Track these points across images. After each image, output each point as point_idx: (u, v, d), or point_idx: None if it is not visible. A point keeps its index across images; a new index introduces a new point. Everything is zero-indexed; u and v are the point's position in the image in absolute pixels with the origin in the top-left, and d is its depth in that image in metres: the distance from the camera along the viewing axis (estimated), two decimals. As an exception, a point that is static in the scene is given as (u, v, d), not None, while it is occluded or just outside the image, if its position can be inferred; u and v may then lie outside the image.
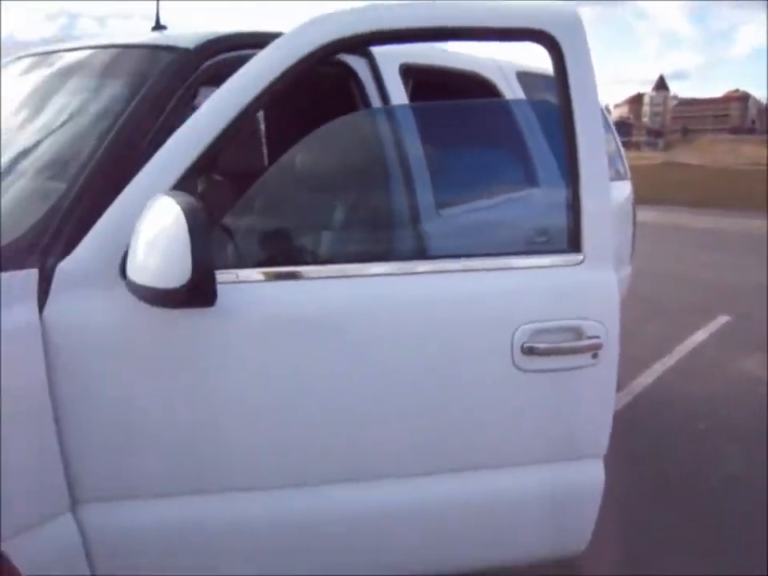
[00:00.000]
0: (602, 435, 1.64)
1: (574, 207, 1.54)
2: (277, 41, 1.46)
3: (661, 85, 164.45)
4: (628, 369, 4.33)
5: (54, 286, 1.33)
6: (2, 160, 1.64)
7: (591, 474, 1.67)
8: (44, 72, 1.98)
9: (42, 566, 1.35)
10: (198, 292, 1.18)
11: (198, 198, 1.27)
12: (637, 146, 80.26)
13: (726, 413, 3.79)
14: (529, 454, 1.61)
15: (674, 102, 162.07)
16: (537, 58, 2.04)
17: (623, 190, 3.81)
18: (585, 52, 1.56)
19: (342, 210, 1.67)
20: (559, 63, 1.54)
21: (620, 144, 3.88)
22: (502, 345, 1.50)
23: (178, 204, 1.17)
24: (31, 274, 1.33)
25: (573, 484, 1.66)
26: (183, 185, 1.34)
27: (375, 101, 1.93)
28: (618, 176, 3.80)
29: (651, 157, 48.95)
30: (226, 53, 1.72)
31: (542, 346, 1.50)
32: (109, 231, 1.36)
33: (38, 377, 1.29)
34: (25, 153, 1.68)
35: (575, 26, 1.56)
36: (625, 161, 3.89)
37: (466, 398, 1.53)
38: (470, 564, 1.69)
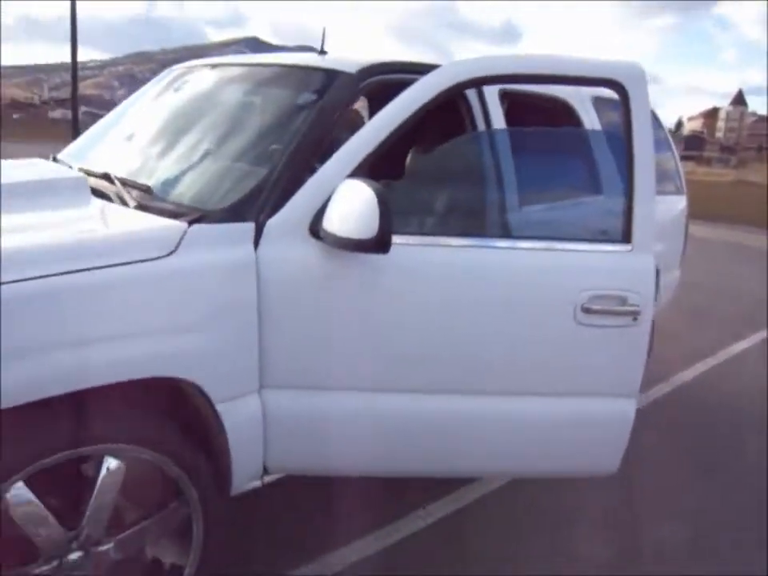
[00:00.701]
0: (635, 380, 2.21)
1: (627, 211, 2.13)
2: (425, 78, 2.07)
3: (739, 100, 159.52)
4: (674, 365, 4.83)
5: (264, 235, 1.97)
6: (222, 151, 2.31)
7: (625, 409, 2.25)
8: (241, 82, 2.66)
9: (238, 427, 1.99)
10: (380, 243, 1.81)
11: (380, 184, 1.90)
12: (708, 162, 78.48)
13: (751, 407, 4.26)
14: (581, 387, 2.20)
15: (752, 119, 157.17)
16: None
17: (678, 203, 4.30)
18: (645, 96, 2.13)
19: (458, 199, 2.28)
20: (625, 104, 2.12)
21: (678, 161, 4.36)
22: (569, 304, 2.09)
23: (368, 186, 1.80)
24: (249, 227, 1.97)
25: (610, 415, 2.24)
26: (355, 174, 1.97)
27: (480, 119, 2.54)
28: (675, 191, 4.30)
29: (722, 174, 47.96)
30: (377, 76, 2.34)
31: (596, 307, 2.08)
32: (302, 203, 1.99)
33: (251, 294, 1.93)
34: (234, 146, 2.35)
35: (639, 76, 2.13)
36: (682, 177, 4.36)
37: (543, 341, 2.14)
38: (532, 471, 2.29)
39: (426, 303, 2.05)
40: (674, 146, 4.37)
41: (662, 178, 4.16)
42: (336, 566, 2.47)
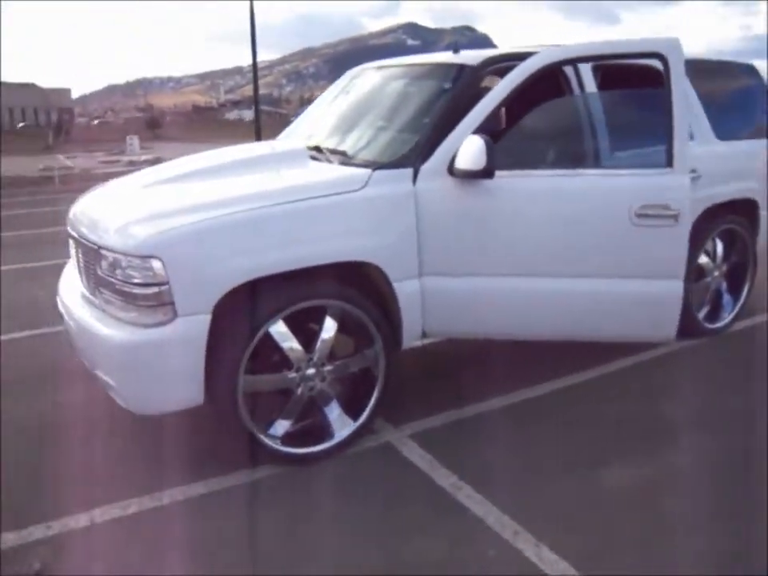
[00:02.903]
0: (680, 265, 3.11)
1: (668, 146, 3.03)
2: (522, 64, 3.09)
3: None
4: None
5: (419, 176, 3.11)
6: (390, 126, 3.49)
7: (674, 287, 3.17)
8: (398, 78, 3.84)
9: (406, 300, 3.14)
10: (487, 172, 2.89)
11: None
12: None
13: None
14: (636, 271, 3.14)
15: None
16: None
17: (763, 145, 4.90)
18: (681, 62, 3.02)
19: (554, 143, 3.31)
20: (666, 70, 3.02)
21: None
22: (627, 210, 3.04)
23: (480, 137, 2.89)
24: (409, 171, 3.11)
25: (664, 292, 3.16)
26: (476, 132, 3.05)
27: (575, 86, 3.52)
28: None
29: None
30: (496, 64, 3.38)
31: (645, 212, 3.02)
32: (442, 153, 3.10)
33: (411, 212, 3.08)
34: (398, 122, 3.52)
35: (677, 47, 3.02)
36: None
37: (610, 236, 3.10)
38: (605, 334, 3.27)
39: (524, 213, 3.11)
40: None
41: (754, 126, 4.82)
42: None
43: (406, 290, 3.13)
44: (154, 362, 2.75)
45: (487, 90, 3.22)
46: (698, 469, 3.04)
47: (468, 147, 2.94)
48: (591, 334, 3.34)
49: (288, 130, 4.43)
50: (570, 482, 2.92)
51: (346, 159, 3.38)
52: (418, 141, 3.20)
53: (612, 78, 3.61)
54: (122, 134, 32.50)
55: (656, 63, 3.13)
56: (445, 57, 3.75)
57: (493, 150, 2.88)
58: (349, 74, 4.43)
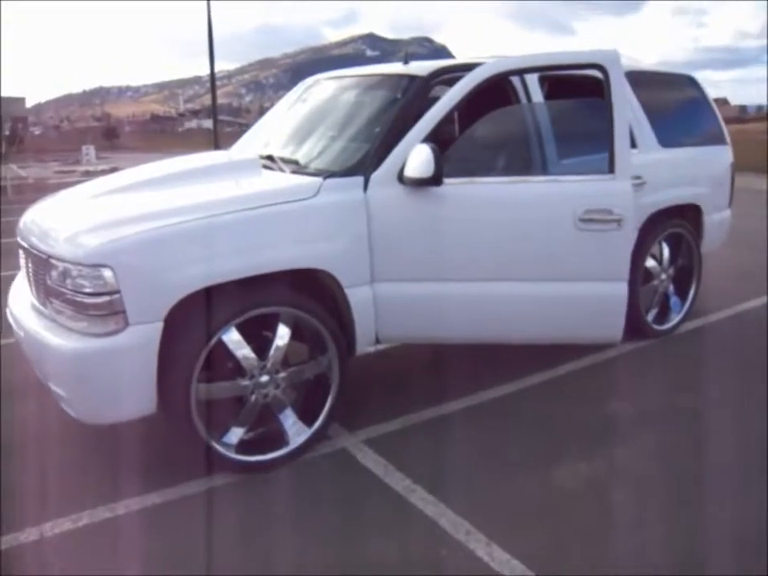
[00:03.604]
0: (625, 268, 3.21)
1: (610, 153, 3.13)
2: (469, 74, 3.17)
3: None
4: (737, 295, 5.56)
5: (369, 184, 3.16)
6: (342, 135, 3.54)
7: (619, 289, 3.26)
8: (351, 88, 3.90)
9: (359, 306, 3.18)
10: (435, 179, 2.96)
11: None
12: None
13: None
14: (581, 274, 3.22)
15: None
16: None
17: (722, 152, 5.09)
18: (620, 74, 3.13)
19: (502, 151, 3.39)
20: (606, 80, 3.12)
21: (720, 117, 5.15)
22: (571, 215, 3.13)
23: (428, 146, 2.96)
24: (360, 179, 3.17)
25: (608, 294, 3.25)
26: (425, 141, 3.11)
27: (522, 96, 3.62)
28: (720, 143, 5.10)
29: None
30: (444, 75, 3.46)
31: (589, 217, 3.11)
32: (392, 162, 3.16)
33: (362, 219, 3.13)
34: (349, 131, 3.57)
35: (615, 59, 3.13)
36: (725, 131, 5.15)
37: (555, 241, 3.19)
38: (554, 337, 3.36)
39: (472, 219, 3.18)
40: (714, 106, 5.16)
41: (707, 133, 5.02)
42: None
43: (358, 297, 3.18)
44: (105, 371, 2.75)
45: (436, 100, 3.28)
46: (645, 466, 3.13)
47: (416, 156, 3.00)
48: (540, 337, 3.42)
49: (243, 139, 4.44)
50: (521, 483, 2.99)
51: (298, 168, 3.42)
52: (369, 150, 3.25)
53: (557, 88, 3.72)
54: (78, 143, 31.99)
55: (598, 74, 3.23)
56: (395, 68, 3.82)
57: (440, 158, 2.95)
58: (303, 83, 4.47)
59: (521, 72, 3.45)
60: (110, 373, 2.75)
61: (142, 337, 2.73)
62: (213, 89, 21.11)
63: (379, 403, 3.73)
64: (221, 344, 2.93)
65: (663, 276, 4.69)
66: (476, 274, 3.22)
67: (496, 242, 3.19)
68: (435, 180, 2.99)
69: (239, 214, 2.90)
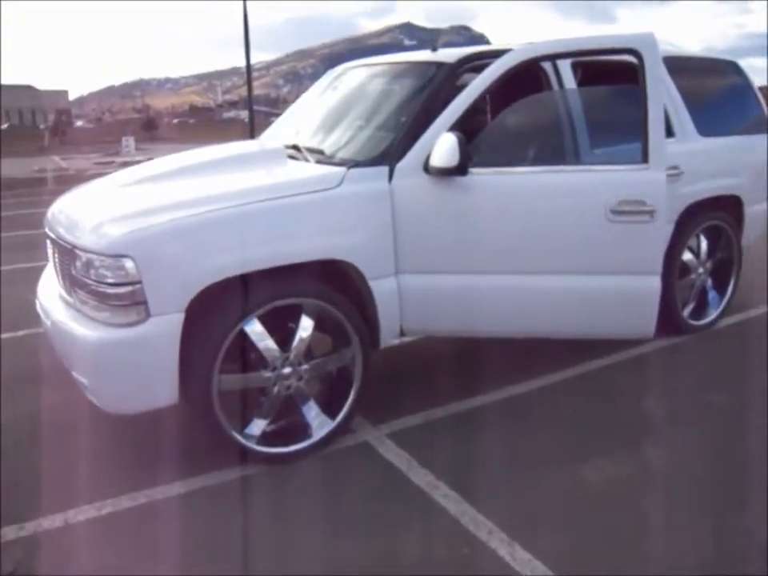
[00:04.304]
0: (657, 261, 3.09)
1: (644, 142, 3.02)
2: (497, 61, 3.08)
3: None
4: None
5: (394, 174, 3.10)
6: (369, 124, 3.48)
7: (651, 284, 3.15)
8: (379, 76, 3.84)
9: (383, 298, 3.13)
10: (460, 168, 2.88)
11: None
12: None
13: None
14: (613, 267, 3.12)
15: None
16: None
17: (764, 142, 4.90)
18: (657, 59, 3.00)
19: (531, 140, 3.30)
20: (641, 66, 3.00)
21: (765, 104, 4.96)
22: (603, 206, 3.03)
23: (454, 135, 2.88)
24: (385, 169, 3.11)
25: (641, 288, 3.14)
26: (452, 130, 3.03)
27: (554, 82, 3.52)
28: (760, 131, 4.91)
29: None
30: (472, 62, 3.37)
31: (621, 208, 3.01)
32: (418, 151, 3.09)
33: (387, 210, 3.07)
34: (376, 120, 3.50)
35: (652, 44, 3.00)
36: (768, 119, 4.96)
37: (586, 232, 3.09)
38: (584, 331, 3.26)
39: (500, 210, 3.10)
40: (759, 96, 4.97)
41: (748, 121, 4.84)
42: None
43: (382, 289, 3.12)
44: (127, 361, 2.75)
45: (464, 88, 3.20)
46: (677, 467, 3.03)
47: (441, 145, 2.93)
48: (570, 332, 3.33)
49: (272, 128, 4.41)
50: (546, 481, 2.91)
51: (322, 158, 3.37)
52: (394, 139, 3.19)
53: (591, 74, 3.60)
54: (119, 135, 32.42)
55: (633, 60, 3.11)
56: (423, 55, 3.74)
57: (465, 147, 2.87)
58: (331, 72, 4.42)
59: (551, 58, 3.34)
60: (132, 363, 2.75)
61: (164, 327, 2.72)
62: (249, 79, 21.20)
63: (404, 396, 3.68)
64: (243, 335, 2.91)
65: (701, 270, 4.54)
66: (503, 266, 3.14)
67: (524, 234, 3.10)
68: (460, 169, 2.92)
69: (261, 204, 2.87)
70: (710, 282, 4.64)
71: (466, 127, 3.08)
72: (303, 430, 3.15)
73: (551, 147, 3.33)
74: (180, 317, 2.73)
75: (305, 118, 4.11)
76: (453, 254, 3.13)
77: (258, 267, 2.83)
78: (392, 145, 3.17)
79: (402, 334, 3.33)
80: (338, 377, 3.25)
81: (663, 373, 4.02)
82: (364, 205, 3.04)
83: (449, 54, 3.50)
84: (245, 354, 3.00)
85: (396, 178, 3.09)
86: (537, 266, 3.14)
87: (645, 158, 3.03)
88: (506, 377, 3.84)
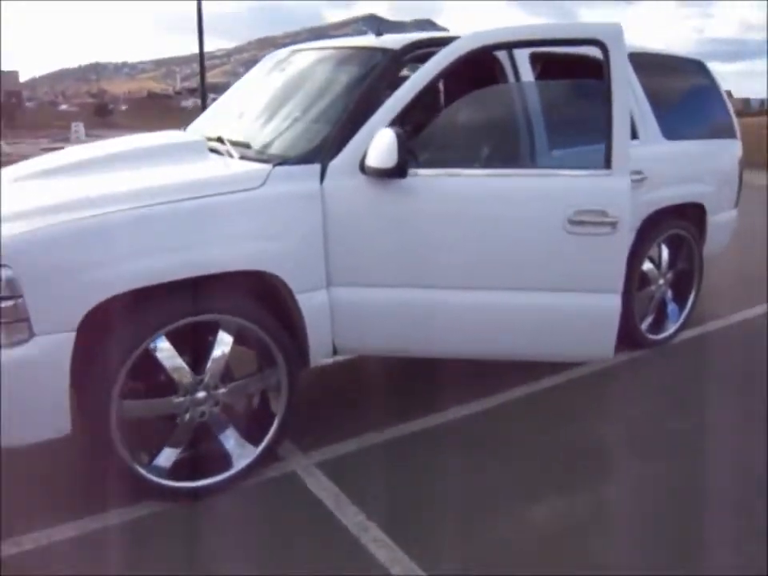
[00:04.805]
0: (618, 278, 2.78)
1: (607, 144, 2.70)
2: (445, 48, 2.73)
3: None
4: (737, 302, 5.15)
5: (327, 173, 2.73)
6: (301, 116, 3.09)
7: (611, 303, 2.83)
8: (318, 63, 3.46)
9: (312, 314, 2.76)
10: (398, 170, 2.52)
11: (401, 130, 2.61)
12: None
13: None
14: (569, 284, 2.80)
15: None
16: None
17: (731, 147, 4.66)
18: (623, 52, 2.69)
19: (483, 139, 2.96)
20: (606, 59, 2.68)
21: (731, 107, 4.71)
22: (560, 216, 2.71)
23: (392, 131, 2.52)
24: (316, 167, 2.73)
25: (599, 307, 2.83)
26: (392, 125, 2.67)
27: (510, 76, 3.18)
28: (728, 135, 4.67)
29: None
30: (421, 49, 3.02)
31: (580, 218, 2.68)
32: (353, 148, 2.72)
33: (317, 215, 2.70)
34: (310, 111, 3.12)
35: (618, 35, 2.68)
36: (735, 123, 4.71)
37: (540, 245, 2.75)
38: (535, 353, 2.94)
39: (445, 218, 2.74)
40: (726, 97, 4.73)
41: (715, 125, 4.60)
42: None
43: (311, 303, 2.76)
44: (9, 387, 2.33)
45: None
46: (635, 506, 2.73)
47: (378, 142, 2.57)
48: (520, 353, 3.01)
49: (202, 117, 3.99)
50: (489, 524, 2.59)
51: (248, 153, 2.97)
52: (328, 133, 2.82)
53: (552, 68, 3.28)
54: (73, 119, 31.31)
55: (598, 53, 2.79)
56: (367, 40, 3.36)
57: (404, 145, 2.51)
58: (271, 56, 4.00)
59: (506, 47, 2.98)
60: (15, 389, 2.33)
61: (50, 348, 2.32)
62: (201, 66, 20.53)
63: (337, 420, 3.32)
64: (149, 356, 2.53)
65: (661, 281, 4.28)
66: (447, 280, 2.80)
67: (471, 245, 2.76)
68: (399, 171, 2.55)
69: (170, 205, 2.48)
70: (669, 293, 4.39)
71: (409, 123, 2.74)
72: (222, 460, 2.78)
73: (505, 148, 3.00)
74: (70, 336, 2.33)
75: (237, 106, 3.70)
76: (391, 265, 2.78)
77: (165, 279, 2.44)
78: (326, 140, 2.80)
79: (336, 352, 2.97)
80: (262, 400, 2.89)
81: (619, 393, 3.74)
82: (291, 208, 2.67)
83: (394, 40, 3.13)
84: (151, 377, 2.62)
85: (329, 178, 2.72)
86: (484, 281, 2.81)
87: (608, 163, 2.71)
88: (448, 397, 3.50)
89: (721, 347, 4.42)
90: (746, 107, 61.31)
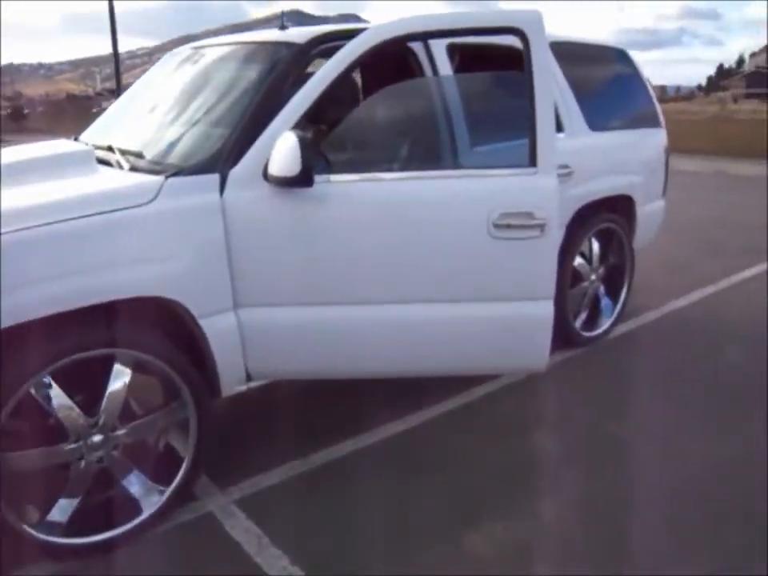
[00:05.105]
0: (550, 284, 2.60)
1: (531, 141, 2.50)
2: (352, 41, 2.48)
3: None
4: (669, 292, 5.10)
5: (227, 183, 2.45)
6: (199, 119, 2.80)
7: (543, 310, 2.64)
8: (218, 60, 3.16)
9: (219, 339, 2.49)
10: (303, 178, 2.27)
11: (306, 133, 2.35)
12: (770, 98, 74.53)
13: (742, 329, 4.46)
14: (497, 293, 2.60)
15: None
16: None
17: (656, 135, 4.57)
18: (543, 41, 2.49)
19: (398, 140, 2.73)
20: (526, 48, 2.49)
21: (654, 96, 4.62)
22: (484, 220, 2.50)
23: (294, 135, 2.26)
24: (215, 177, 2.45)
25: (530, 315, 2.64)
26: (297, 127, 2.41)
27: (427, 69, 2.96)
28: (652, 124, 4.58)
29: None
30: (329, 43, 2.76)
31: (505, 222, 2.48)
32: (255, 155, 2.45)
33: (218, 230, 2.42)
34: (208, 114, 2.83)
35: (538, 23, 2.49)
36: (659, 111, 4.63)
37: (463, 252, 2.55)
38: (464, 367, 2.74)
39: (359, 228, 2.50)
40: (649, 86, 4.64)
41: (640, 114, 4.50)
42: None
43: (217, 328, 2.49)
44: None
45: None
46: (580, 526, 2.57)
47: (280, 148, 2.30)
48: (448, 368, 2.79)
49: (95, 124, 3.63)
50: (427, 558, 2.38)
51: (139, 163, 2.65)
52: (228, 139, 2.54)
53: (472, 60, 3.07)
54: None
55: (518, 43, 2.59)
56: (269, 34, 3.08)
57: (308, 150, 2.25)
58: (172, 54, 3.65)
59: (419, 37, 2.74)
60: None
61: None
62: (116, 66, 19.73)
63: (258, 450, 3.05)
64: (31, 399, 2.21)
65: (593, 276, 4.16)
66: (364, 296, 2.56)
67: (389, 257, 2.52)
68: (303, 179, 2.29)
69: (47, 228, 2.16)
70: (602, 288, 4.27)
71: (317, 124, 2.49)
72: (129, 507, 2.49)
73: (422, 148, 2.77)
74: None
75: (133, 111, 3.37)
76: (303, 282, 2.52)
77: (45, 312, 2.13)
78: (225, 147, 2.52)
79: (250, 378, 2.70)
80: (170, 436, 2.60)
81: (556, 397, 3.59)
82: (187, 225, 2.38)
83: (299, 34, 2.86)
84: (36, 423, 2.30)
85: (229, 188, 2.44)
86: (404, 294, 2.57)
87: (533, 161, 2.51)
88: (380, 412, 3.29)
89: (655, 340, 4.33)
90: (663, 94, 63.39)
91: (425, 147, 2.78)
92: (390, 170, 2.56)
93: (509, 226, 2.50)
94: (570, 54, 3.92)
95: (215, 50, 3.29)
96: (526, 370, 2.84)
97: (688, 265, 5.95)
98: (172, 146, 2.75)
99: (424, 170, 2.57)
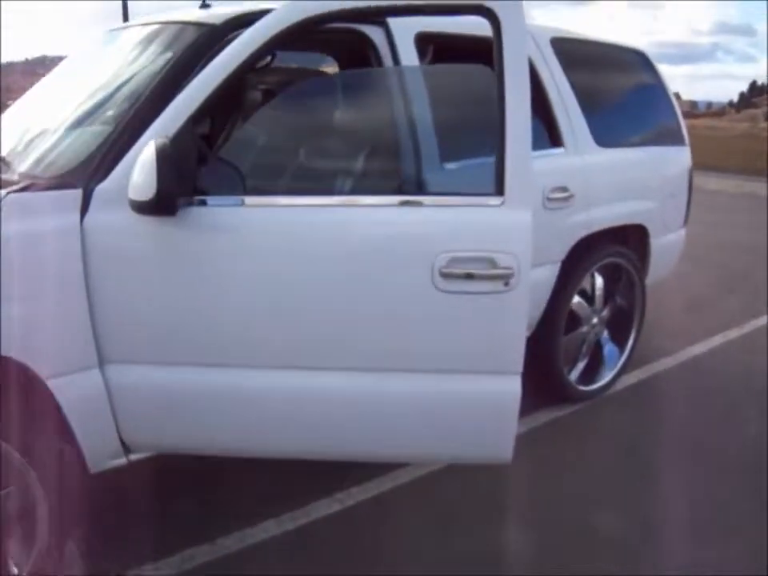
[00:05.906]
0: (517, 353, 1.95)
1: (498, 159, 1.85)
2: (263, 19, 1.87)
3: None
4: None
5: (92, 203, 1.86)
6: (79, 118, 2.20)
7: (507, 388, 1.98)
8: (119, 45, 2.55)
9: (76, 406, 1.89)
10: (160, 204, 1.65)
11: (191, 140, 1.74)
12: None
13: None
14: (446, 363, 1.95)
15: None
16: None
17: (679, 154, 3.90)
18: (520, 24, 1.86)
19: (312, 154, 2.10)
20: (497, 33, 1.85)
21: (677, 107, 3.95)
22: (428, 267, 1.86)
23: (154, 143, 1.64)
24: (77, 194, 1.86)
25: (490, 395, 1.99)
26: (183, 131, 1.80)
27: (389, 64, 2.33)
28: (674, 142, 3.91)
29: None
30: (246, 27, 2.14)
31: (457, 270, 1.84)
32: (128, 166, 1.84)
33: (76, 265, 1.82)
34: (91, 112, 2.23)
35: (513, 4, 1.85)
36: (683, 126, 3.95)
37: (399, 307, 1.91)
38: (399, 454, 2.09)
39: (255, 271, 1.87)
40: (672, 97, 3.97)
41: (659, 128, 3.85)
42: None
43: (72, 391, 1.89)
44: None
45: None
46: None
47: (140, 162, 1.69)
48: (370, 453, 2.10)
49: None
50: None
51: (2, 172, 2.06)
52: (103, 143, 1.94)
53: (445, 52, 2.44)
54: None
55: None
56: (182, 14, 2.45)
57: (169, 164, 1.63)
58: (86, 40, 3.06)
59: (353, 17, 2.06)
60: None
61: None
62: None
63: (160, 533, 2.42)
64: None
65: (595, 320, 3.50)
66: (263, 358, 1.93)
67: (300, 309, 1.90)
68: (160, 205, 1.67)
69: None
70: (605, 333, 3.61)
71: (214, 130, 1.86)
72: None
73: (345, 166, 2.12)
74: None
75: (30, 107, 2.75)
76: (183, 337, 1.91)
77: None
78: (97, 153, 1.91)
79: (128, 450, 2.10)
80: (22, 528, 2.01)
81: (540, 472, 2.91)
82: (31, 256, 1.77)
83: (216, 14, 2.25)
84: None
85: (93, 209, 1.84)
86: (316, 360, 1.94)
87: (499, 188, 1.85)
88: (310, 490, 2.66)
89: (666, 395, 3.67)
90: (693, 109, 62.27)
91: (349, 165, 2.13)
92: (301, 193, 1.93)
93: (462, 276, 1.85)
94: (576, 53, 3.28)
95: (129, 32, 2.69)
96: (483, 461, 2.17)
97: (709, 301, 5.25)
98: (36, 150, 2.15)
99: (348, 195, 1.94)
